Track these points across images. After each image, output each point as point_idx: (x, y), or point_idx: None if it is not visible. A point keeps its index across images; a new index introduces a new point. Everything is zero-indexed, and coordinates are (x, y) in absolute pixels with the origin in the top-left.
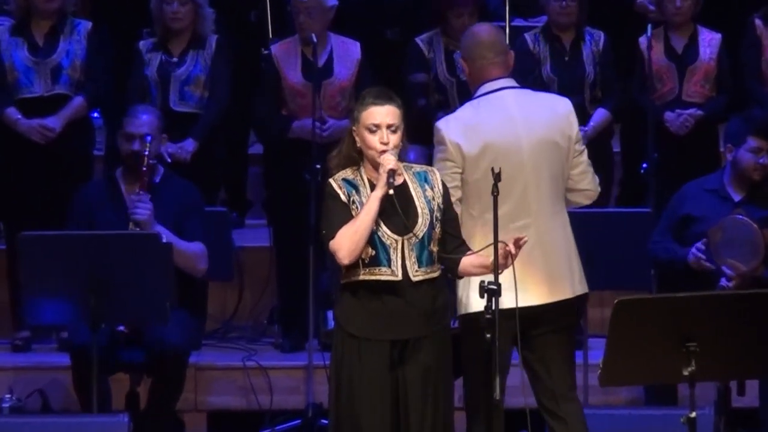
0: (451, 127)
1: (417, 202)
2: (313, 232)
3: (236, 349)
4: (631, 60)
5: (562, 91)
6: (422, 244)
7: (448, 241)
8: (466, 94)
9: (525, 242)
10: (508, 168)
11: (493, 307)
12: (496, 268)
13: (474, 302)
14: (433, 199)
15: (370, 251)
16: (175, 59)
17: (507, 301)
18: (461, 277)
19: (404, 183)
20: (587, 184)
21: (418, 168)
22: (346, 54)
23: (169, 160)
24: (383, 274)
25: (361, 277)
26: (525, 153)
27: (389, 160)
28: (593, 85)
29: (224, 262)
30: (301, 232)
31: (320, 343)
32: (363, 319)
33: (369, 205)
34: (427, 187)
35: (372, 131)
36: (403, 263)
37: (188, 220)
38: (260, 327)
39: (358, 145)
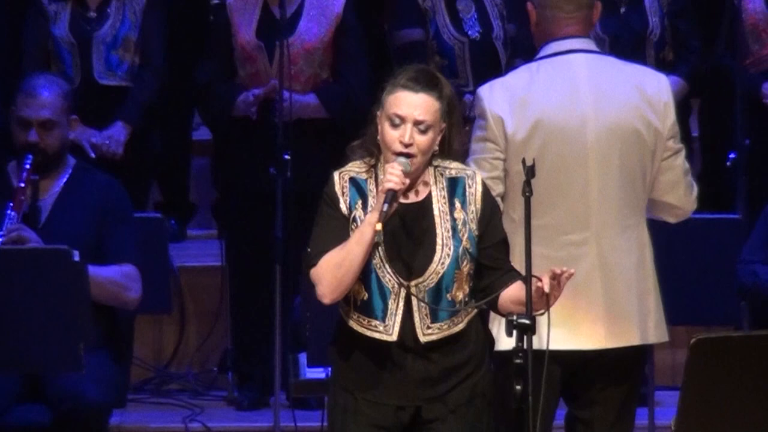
0: (495, 95)
1: (438, 228)
2: (281, 245)
3: (175, 406)
4: (716, 10)
5: (615, 54)
6: (438, 291)
7: (485, 276)
8: (481, 58)
9: (569, 276)
10: (563, 158)
11: (525, 347)
12: (528, 299)
13: (503, 338)
14: (464, 224)
15: (363, 293)
16: (92, 13)
17: (557, 340)
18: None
19: (428, 197)
20: (677, 198)
21: (454, 170)
22: (323, 6)
23: (93, 155)
24: (373, 329)
25: (351, 323)
26: (590, 140)
27: (393, 176)
28: (659, 45)
29: (159, 288)
30: (264, 246)
31: (290, 398)
32: (357, 375)
33: (360, 232)
34: (458, 203)
35: (394, 124)
36: (408, 316)
37: (111, 231)
38: (208, 376)
39: (379, 137)
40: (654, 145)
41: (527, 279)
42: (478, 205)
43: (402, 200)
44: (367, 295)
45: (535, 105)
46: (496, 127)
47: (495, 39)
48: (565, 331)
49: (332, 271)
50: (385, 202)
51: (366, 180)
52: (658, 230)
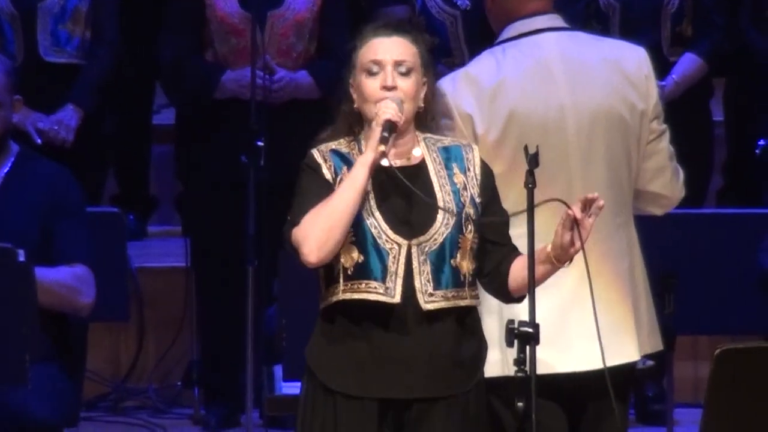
0: (460, 89)
1: (438, 191)
2: (254, 244)
3: (134, 426)
4: None
5: (626, 28)
6: (441, 254)
7: (491, 253)
8: (477, 31)
9: (601, 206)
10: (542, 156)
11: (528, 363)
12: (531, 298)
13: (492, 360)
14: (465, 188)
15: (358, 256)
16: None
17: (546, 363)
18: (517, 299)
19: (422, 162)
20: (663, 185)
21: (447, 141)
22: None
23: (39, 141)
24: (372, 292)
25: (341, 296)
26: (570, 132)
27: (387, 108)
28: (677, 17)
29: (116, 292)
30: (235, 244)
31: (264, 416)
32: (341, 364)
33: (353, 175)
34: (456, 168)
35: (372, 73)
36: (408, 280)
37: (61, 228)
38: (171, 391)
39: (356, 105)
40: (639, 129)
41: (530, 282)
42: (478, 171)
43: (394, 164)
44: (362, 257)
45: (506, 97)
46: (464, 127)
47: None
48: (555, 353)
49: (321, 223)
50: (382, 131)
51: (349, 152)
52: (677, 227)
